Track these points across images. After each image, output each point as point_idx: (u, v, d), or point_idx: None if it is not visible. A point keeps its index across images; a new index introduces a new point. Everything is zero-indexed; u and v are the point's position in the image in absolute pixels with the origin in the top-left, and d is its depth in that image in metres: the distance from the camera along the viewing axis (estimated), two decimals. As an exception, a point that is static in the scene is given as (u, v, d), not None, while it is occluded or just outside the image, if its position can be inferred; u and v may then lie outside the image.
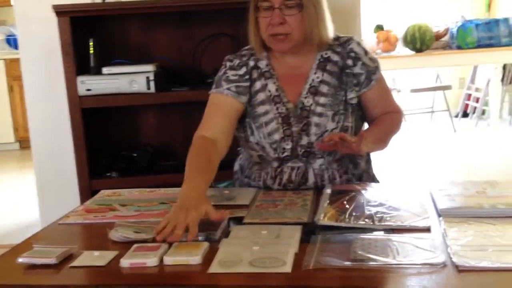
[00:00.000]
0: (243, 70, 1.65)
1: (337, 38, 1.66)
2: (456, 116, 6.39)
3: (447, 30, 5.08)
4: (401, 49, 5.02)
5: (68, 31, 2.33)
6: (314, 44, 1.62)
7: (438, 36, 5.02)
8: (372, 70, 1.65)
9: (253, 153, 1.66)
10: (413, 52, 4.91)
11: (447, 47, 5.04)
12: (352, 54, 1.64)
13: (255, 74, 1.66)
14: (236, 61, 1.67)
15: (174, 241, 1.18)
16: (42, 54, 2.78)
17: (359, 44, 1.66)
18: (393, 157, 4.48)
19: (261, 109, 1.63)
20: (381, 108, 1.68)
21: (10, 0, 4.14)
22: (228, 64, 1.67)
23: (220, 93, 1.63)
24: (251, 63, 1.67)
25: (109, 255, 1.16)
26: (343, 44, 1.65)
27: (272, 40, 1.59)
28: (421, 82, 6.14)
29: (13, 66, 5.63)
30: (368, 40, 4.93)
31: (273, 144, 1.61)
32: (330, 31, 1.63)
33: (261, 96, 1.64)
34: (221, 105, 1.62)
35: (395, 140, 1.70)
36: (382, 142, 1.64)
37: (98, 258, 1.15)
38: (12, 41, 5.93)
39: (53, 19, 2.37)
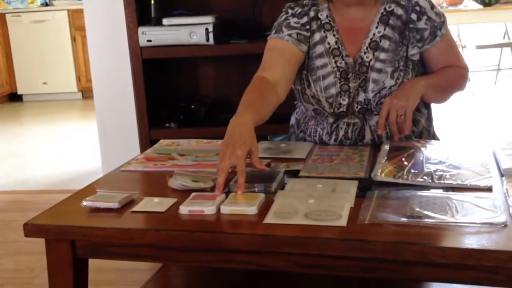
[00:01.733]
0: (304, 19, 1.62)
1: (402, -10, 1.61)
2: (524, 74, 6.11)
3: (519, -18, 4.82)
4: (468, 3, 4.81)
5: (130, -19, 2.35)
6: None
7: (508, -11, 4.77)
8: (438, 25, 1.59)
9: (309, 106, 1.65)
10: (481, 6, 4.69)
11: (518, 1, 4.80)
12: (417, 8, 1.58)
13: (314, 26, 1.63)
14: (298, 9, 1.64)
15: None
16: (105, 5, 2.82)
17: (425, -3, 1.59)
18: (455, 116, 4.34)
19: (319, 62, 1.60)
20: (444, 66, 1.62)
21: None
22: (290, 11, 1.65)
23: (280, 38, 1.60)
24: (312, 13, 1.63)
25: (168, 202, 1.20)
26: (408, -4, 1.60)
27: None
28: (488, 38, 5.88)
29: (76, 17, 5.75)
30: (434, -8, 4.74)
31: (329, 98, 1.59)
32: None
33: (319, 49, 1.61)
34: (282, 50, 1.59)
35: (457, 98, 1.64)
36: (440, 90, 1.60)
37: (157, 204, 1.19)
38: (75, -8, 6.04)
39: (115, -31, 2.40)
